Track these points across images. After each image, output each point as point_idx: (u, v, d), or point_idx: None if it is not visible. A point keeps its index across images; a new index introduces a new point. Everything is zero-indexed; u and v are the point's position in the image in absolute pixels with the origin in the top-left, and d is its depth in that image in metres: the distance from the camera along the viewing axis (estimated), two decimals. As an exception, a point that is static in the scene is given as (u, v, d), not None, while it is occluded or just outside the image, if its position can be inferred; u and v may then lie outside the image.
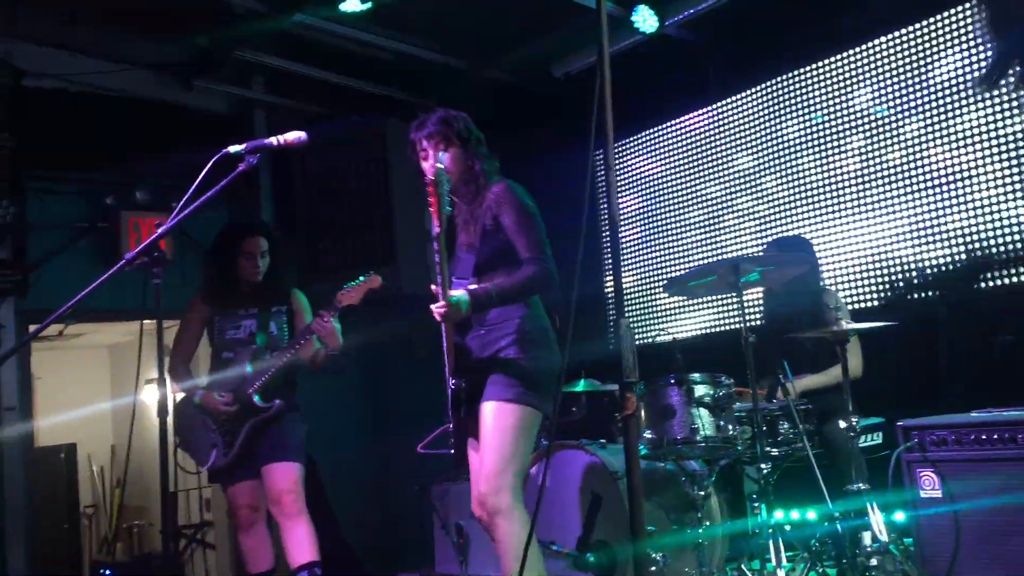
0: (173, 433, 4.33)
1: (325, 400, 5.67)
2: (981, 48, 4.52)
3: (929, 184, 4.70)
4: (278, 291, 4.39)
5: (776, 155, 5.43)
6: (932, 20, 4.73)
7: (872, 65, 4.98)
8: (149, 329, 3.21)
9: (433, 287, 3.10)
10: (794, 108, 5.34)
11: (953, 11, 4.64)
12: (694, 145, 5.91)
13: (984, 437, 3.32)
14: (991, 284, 4.48)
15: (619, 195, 6.27)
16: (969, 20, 4.58)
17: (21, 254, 5.28)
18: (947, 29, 4.67)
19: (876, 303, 4.89)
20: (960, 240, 4.58)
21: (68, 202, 5.79)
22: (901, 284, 4.79)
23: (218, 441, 4.21)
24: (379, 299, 4.24)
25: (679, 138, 6.00)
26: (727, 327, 5.58)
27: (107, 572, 6.60)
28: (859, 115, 5.02)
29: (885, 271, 4.87)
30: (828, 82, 5.18)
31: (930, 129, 4.71)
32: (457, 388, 3.18)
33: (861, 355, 4.38)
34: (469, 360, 3.22)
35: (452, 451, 3.31)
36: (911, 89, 4.81)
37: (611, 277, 5.76)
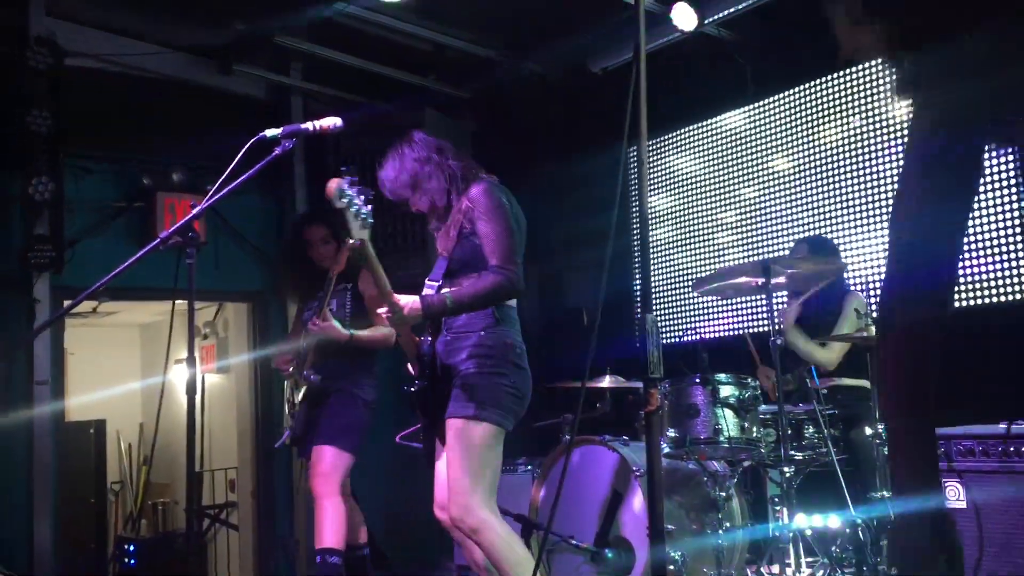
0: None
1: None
2: None
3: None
4: (344, 271, 4.38)
5: (812, 158, 5.38)
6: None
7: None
8: (180, 309, 3.24)
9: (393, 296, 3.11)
10: (833, 111, 5.29)
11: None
12: (730, 145, 5.86)
13: (1012, 449, 3.29)
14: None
15: (652, 193, 6.23)
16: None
17: (58, 231, 5.35)
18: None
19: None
20: (994, 250, 4.52)
21: (105, 181, 5.85)
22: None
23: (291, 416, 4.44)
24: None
25: (715, 137, 5.96)
26: (755, 328, 5.54)
27: (131, 548, 6.69)
28: (898, 120, 4.96)
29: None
30: (868, 86, 5.12)
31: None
32: (419, 389, 3.20)
33: (841, 353, 4.41)
34: (435, 364, 3.19)
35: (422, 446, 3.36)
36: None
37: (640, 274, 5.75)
